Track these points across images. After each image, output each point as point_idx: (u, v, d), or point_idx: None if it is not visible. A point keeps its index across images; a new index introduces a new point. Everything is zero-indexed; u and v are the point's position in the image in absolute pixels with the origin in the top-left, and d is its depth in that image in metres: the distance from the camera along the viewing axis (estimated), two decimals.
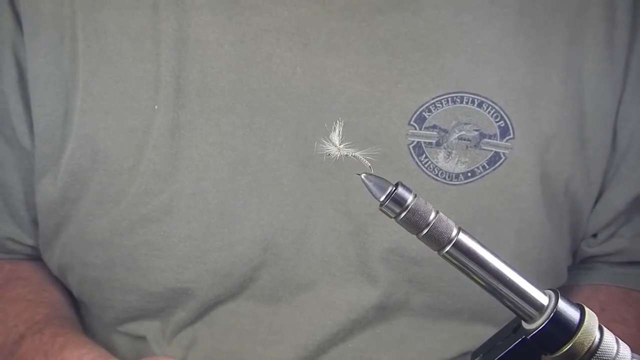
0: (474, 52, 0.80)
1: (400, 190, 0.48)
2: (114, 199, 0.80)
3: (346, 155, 0.52)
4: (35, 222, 0.87)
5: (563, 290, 0.91)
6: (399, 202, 0.48)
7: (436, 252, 0.50)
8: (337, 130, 0.51)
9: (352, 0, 0.78)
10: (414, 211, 0.48)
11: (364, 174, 0.49)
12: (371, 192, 0.49)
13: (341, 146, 0.52)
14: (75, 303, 0.93)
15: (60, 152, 0.81)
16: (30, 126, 0.82)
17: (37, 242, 0.88)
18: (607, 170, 0.85)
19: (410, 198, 0.48)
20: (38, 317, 0.85)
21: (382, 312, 0.82)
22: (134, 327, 0.86)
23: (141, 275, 0.81)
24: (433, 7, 0.79)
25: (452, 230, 0.49)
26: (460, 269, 0.50)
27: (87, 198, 0.81)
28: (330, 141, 0.52)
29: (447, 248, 0.49)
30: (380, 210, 0.49)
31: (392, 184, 0.49)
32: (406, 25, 0.79)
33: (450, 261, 0.50)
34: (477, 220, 0.80)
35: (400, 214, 0.48)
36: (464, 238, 0.49)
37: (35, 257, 0.91)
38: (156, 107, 0.78)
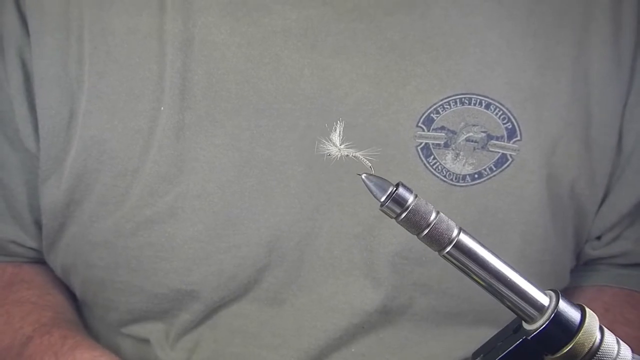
0: (482, 53, 0.80)
1: (400, 190, 0.48)
2: (119, 201, 0.80)
3: (347, 155, 0.52)
4: (38, 225, 0.86)
5: (567, 292, 0.91)
6: (400, 202, 0.48)
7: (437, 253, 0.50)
8: (337, 130, 0.51)
9: (361, 2, 0.79)
10: (414, 211, 0.48)
11: (365, 174, 0.49)
12: (372, 192, 0.49)
13: (342, 146, 0.52)
14: (78, 307, 0.92)
15: (65, 154, 0.81)
16: (35, 128, 0.82)
17: (40, 244, 0.88)
18: (613, 173, 0.85)
19: (410, 198, 0.48)
20: (44, 319, 0.85)
21: (386, 316, 0.82)
22: (138, 329, 0.86)
23: (145, 276, 0.81)
24: (441, 9, 0.79)
25: (452, 231, 0.49)
26: (460, 269, 0.50)
27: (92, 199, 0.81)
28: (331, 141, 0.52)
29: (448, 248, 0.49)
30: (381, 210, 0.49)
31: (392, 185, 0.49)
32: (414, 26, 0.79)
33: (451, 262, 0.50)
34: (482, 221, 0.81)
35: (400, 214, 0.48)
36: (464, 238, 0.49)
37: (38, 260, 0.91)
38: (162, 108, 0.78)
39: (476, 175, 0.80)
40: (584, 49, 0.82)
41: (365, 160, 0.51)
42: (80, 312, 0.92)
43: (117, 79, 0.79)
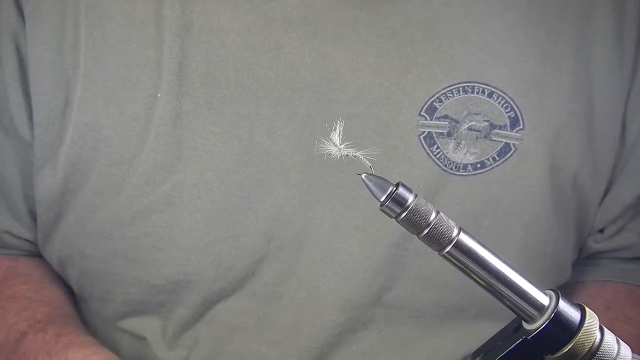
0: (484, 42, 0.79)
1: (401, 190, 0.48)
2: (115, 190, 0.79)
3: (347, 155, 0.51)
4: (33, 216, 0.86)
5: (569, 287, 0.91)
6: (400, 202, 0.48)
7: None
8: (337, 130, 0.51)
9: None
10: (414, 212, 0.48)
11: (365, 174, 0.49)
12: (372, 192, 0.49)
13: (342, 146, 0.52)
14: (76, 302, 0.92)
15: (61, 142, 0.80)
16: (30, 116, 0.81)
17: (36, 236, 0.87)
18: (616, 165, 0.85)
19: (411, 198, 0.48)
20: (40, 315, 0.84)
21: (386, 311, 0.82)
22: (135, 324, 0.85)
23: (143, 267, 0.81)
24: None
25: (452, 231, 0.49)
26: (461, 269, 0.50)
27: (88, 189, 0.80)
28: (331, 141, 0.52)
29: (448, 249, 0.49)
30: (381, 210, 0.49)
31: (392, 185, 0.49)
32: (416, 14, 0.79)
33: (451, 262, 0.50)
34: (485, 212, 0.80)
35: (401, 214, 0.48)
36: (464, 238, 0.49)
37: (34, 253, 0.90)
38: (159, 95, 0.78)
39: (479, 165, 0.80)
40: (586, 39, 0.82)
41: (365, 160, 0.51)
42: (78, 308, 0.92)
43: (113, 65, 0.78)
